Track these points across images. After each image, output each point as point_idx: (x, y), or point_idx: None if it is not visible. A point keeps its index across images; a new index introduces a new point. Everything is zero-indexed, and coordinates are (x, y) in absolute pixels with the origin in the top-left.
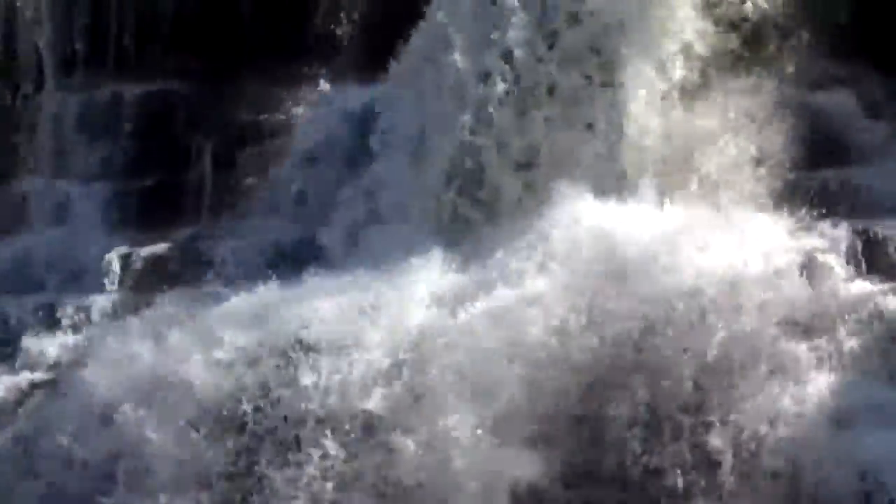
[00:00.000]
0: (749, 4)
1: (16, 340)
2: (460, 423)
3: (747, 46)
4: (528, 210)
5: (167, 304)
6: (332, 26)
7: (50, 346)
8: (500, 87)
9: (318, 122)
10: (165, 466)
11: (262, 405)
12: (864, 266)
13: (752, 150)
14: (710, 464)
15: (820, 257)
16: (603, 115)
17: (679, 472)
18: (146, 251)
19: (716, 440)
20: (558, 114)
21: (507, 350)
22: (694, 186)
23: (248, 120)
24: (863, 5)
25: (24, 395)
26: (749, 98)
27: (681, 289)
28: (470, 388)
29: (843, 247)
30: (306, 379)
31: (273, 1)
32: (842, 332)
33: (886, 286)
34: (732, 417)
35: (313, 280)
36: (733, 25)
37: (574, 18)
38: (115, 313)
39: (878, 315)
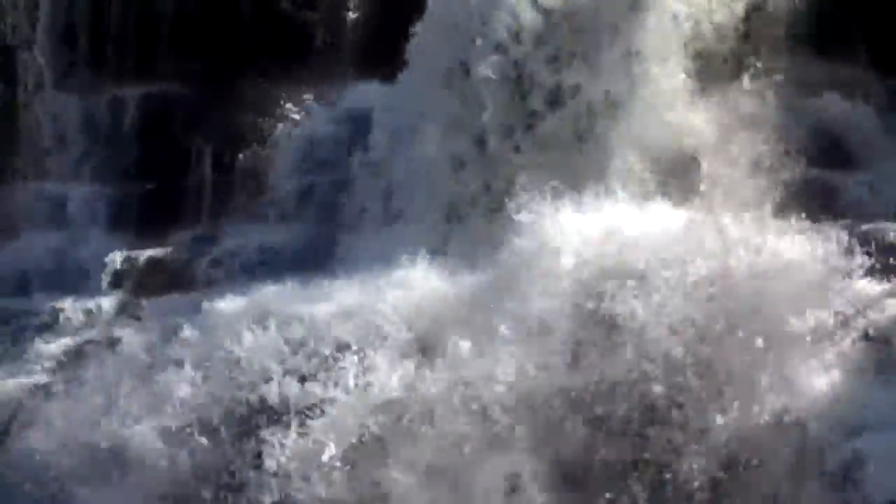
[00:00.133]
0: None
1: (15, 343)
2: None
3: (744, 50)
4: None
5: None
6: (333, 28)
7: (49, 349)
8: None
9: (317, 124)
10: None
11: (222, 492)
12: (864, 268)
13: (753, 154)
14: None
15: (820, 259)
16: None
17: (678, 475)
18: (146, 254)
19: (715, 442)
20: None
21: None
22: (694, 191)
23: (248, 122)
24: (864, 7)
25: (22, 399)
26: (749, 102)
27: (681, 289)
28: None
29: (844, 249)
30: (270, 460)
31: (273, 4)
32: (843, 334)
33: (887, 288)
34: (731, 419)
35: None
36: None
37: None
38: (115, 316)
39: (879, 317)
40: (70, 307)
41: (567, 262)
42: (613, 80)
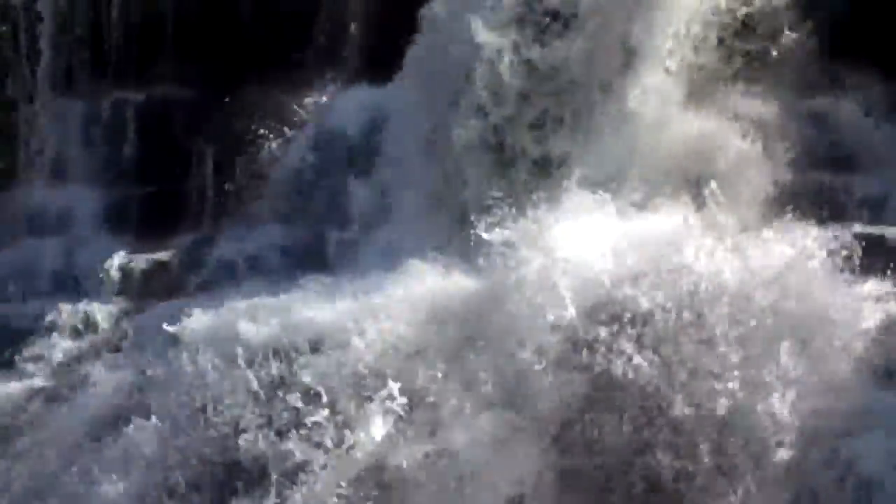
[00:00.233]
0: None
1: (17, 346)
2: None
3: (748, 51)
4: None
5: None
6: (333, 31)
7: (51, 352)
8: None
9: (318, 126)
10: None
11: None
12: (865, 270)
13: (755, 155)
14: (708, 470)
15: (822, 261)
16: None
17: (676, 477)
18: (147, 257)
19: (714, 444)
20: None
21: None
22: (696, 192)
23: (249, 126)
24: (866, 8)
25: (24, 401)
26: (752, 104)
27: (682, 291)
28: None
29: (845, 252)
30: None
31: (274, 7)
32: (844, 337)
33: (888, 290)
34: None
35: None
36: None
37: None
38: (117, 320)
39: (881, 319)
40: (71, 311)
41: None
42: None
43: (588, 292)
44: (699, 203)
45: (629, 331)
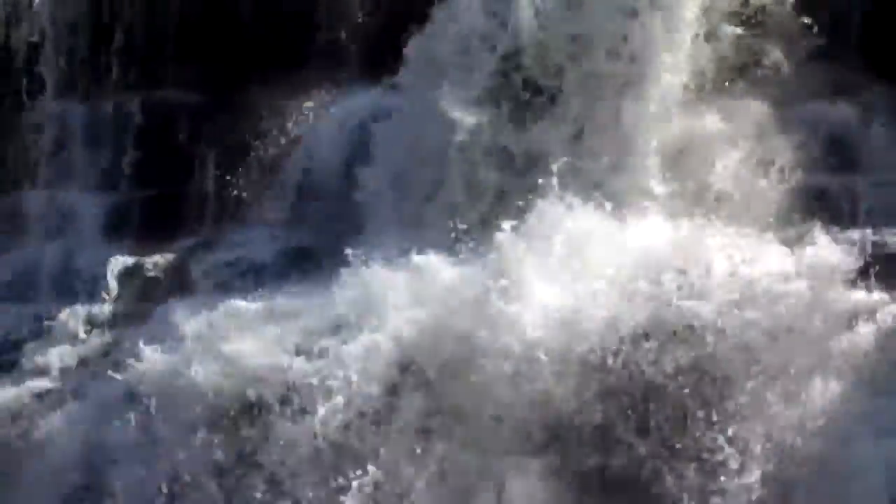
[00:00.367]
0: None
1: (17, 351)
2: None
3: (750, 55)
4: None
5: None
6: (335, 34)
7: (51, 356)
8: None
9: (320, 130)
10: None
11: None
12: (868, 275)
13: (757, 159)
14: (708, 473)
15: (824, 266)
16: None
17: (677, 481)
18: (148, 261)
19: (714, 449)
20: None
21: None
22: (697, 196)
23: (252, 129)
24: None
25: (24, 406)
26: (753, 107)
27: (682, 293)
28: None
29: (846, 255)
30: None
31: (276, 9)
32: (846, 341)
33: (889, 295)
34: (732, 427)
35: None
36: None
37: None
38: (116, 324)
39: (884, 324)
40: (71, 315)
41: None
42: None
43: (575, 356)
44: (699, 210)
45: (629, 414)
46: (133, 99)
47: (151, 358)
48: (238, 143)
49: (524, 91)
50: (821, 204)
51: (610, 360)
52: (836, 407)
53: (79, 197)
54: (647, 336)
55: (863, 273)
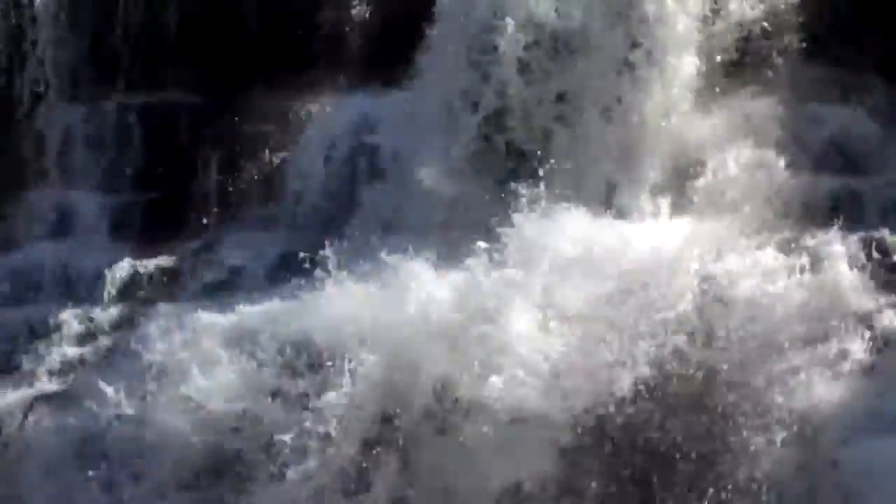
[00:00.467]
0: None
1: (20, 352)
2: None
3: (750, 55)
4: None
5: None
6: (339, 36)
7: (54, 358)
8: None
9: (324, 132)
10: None
11: None
12: (868, 275)
13: (756, 160)
14: (710, 475)
15: (825, 267)
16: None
17: (681, 483)
18: (150, 263)
19: (717, 450)
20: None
21: None
22: (697, 197)
23: (254, 131)
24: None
25: (27, 408)
26: (752, 108)
27: (685, 297)
28: None
29: (849, 256)
30: None
31: (279, 11)
32: (850, 342)
33: (892, 296)
34: (734, 429)
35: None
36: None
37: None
38: (119, 326)
39: (885, 325)
40: (73, 317)
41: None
42: None
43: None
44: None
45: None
46: (135, 101)
47: (114, 399)
48: (240, 145)
49: (507, 158)
50: (827, 206)
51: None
52: (847, 406)
53: (81, 199)
54: (650, 394)
55: (868, 276)
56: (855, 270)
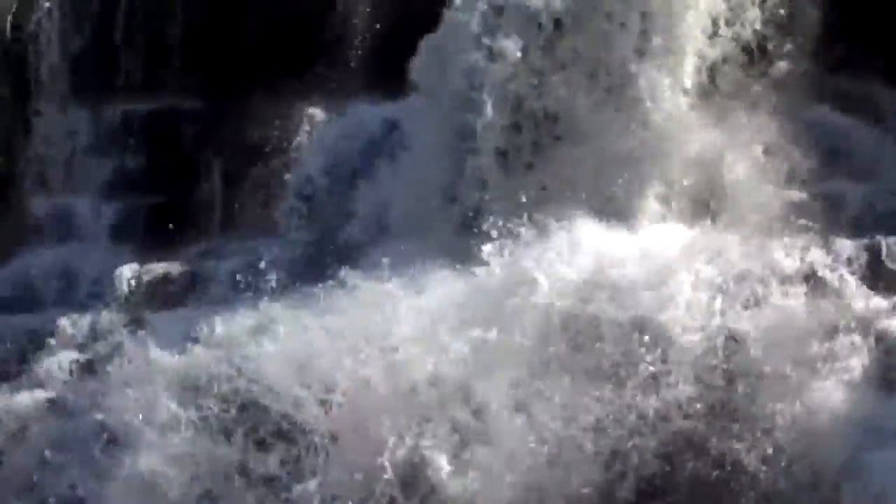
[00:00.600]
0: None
1: (23, 358)
2: None
3: (751, 60)
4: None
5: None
6: (341, 42)
7: (57, 363)
8: None
9: (327, 137)
10: None
11: None
12: (870, 280)
13: (758, 165)
14: (714, 481)
15: (826, 272)
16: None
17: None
18: (153, 268)
19: (723, 456)
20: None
21: None
22: (698, 203)
23: (258, 136)
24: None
25: (29, 414)
26: (754, 112)
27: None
28: None
29: (851, 262)
30: None
31: (281, 17)
32: (852, 347)
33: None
34: (736, 434)
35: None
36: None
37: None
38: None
39: (886, 330)
40: (76, 322)
41: None
42: None
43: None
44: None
45: None
46: (138, 106)
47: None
48: (244, 151)
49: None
50: (829, 212)
51: None
52: (850, 412)
53: (85, 204)
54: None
55: (866, 278)
56: (856, 276)
